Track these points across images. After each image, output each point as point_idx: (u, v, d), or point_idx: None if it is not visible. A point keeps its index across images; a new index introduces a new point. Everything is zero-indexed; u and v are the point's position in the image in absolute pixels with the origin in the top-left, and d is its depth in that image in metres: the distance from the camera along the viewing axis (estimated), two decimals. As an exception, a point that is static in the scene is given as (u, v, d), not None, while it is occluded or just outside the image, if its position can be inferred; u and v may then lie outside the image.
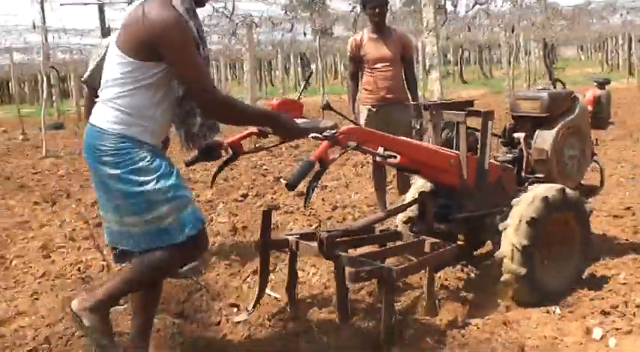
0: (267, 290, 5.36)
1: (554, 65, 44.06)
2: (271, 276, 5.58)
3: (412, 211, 5.44)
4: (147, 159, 3.78)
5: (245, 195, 9.30)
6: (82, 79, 5.89)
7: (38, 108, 24.38)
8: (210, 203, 9.01)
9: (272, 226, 5.33)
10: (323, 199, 8.92)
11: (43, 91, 17.46)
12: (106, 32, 11.18)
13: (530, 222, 4.71)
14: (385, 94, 7.47)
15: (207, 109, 3.91)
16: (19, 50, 29.06)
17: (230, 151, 4.64)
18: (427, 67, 8.34)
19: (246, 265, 6.09)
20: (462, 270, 5.68)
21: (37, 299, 5.42)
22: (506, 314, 4.79)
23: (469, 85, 40.76)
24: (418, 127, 7.28)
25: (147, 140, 3.82)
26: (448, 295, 5.24)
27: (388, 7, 7.84)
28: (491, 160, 5.18)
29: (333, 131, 4.22)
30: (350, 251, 4.97)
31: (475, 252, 5.85)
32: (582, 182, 5.84)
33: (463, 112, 5.13)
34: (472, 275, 5.67)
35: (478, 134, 5.21)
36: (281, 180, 3.64)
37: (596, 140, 6.11)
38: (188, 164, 4.65)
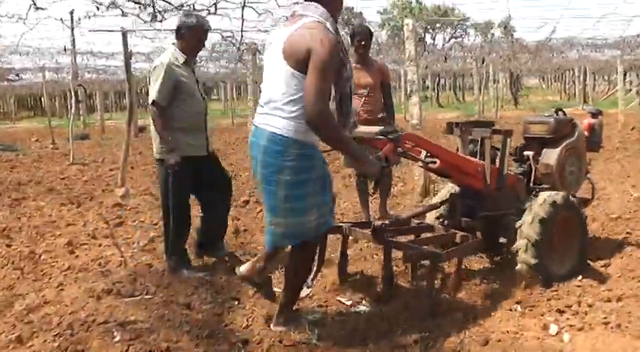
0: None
1: (519, 92, 44.26)
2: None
3: (443, 209, 5.80)
4: (321, 164, 4.16)
5: (247, 202, 9.29)
6: (153, 99, 5.72)
7: (67, 121, 24.24)
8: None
9: None
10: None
11: (71, 106, 17.40)
12: (128, 56, 11.12)
13: (541, 220, 5.11)
14: (367, 116, 7.54)
15: (308, 115, 3.91)
16: (51, 70, 28.92)
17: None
18: (408, 93, 8.38)
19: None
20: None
21: (62, 290, 5.39)
22: (474, 311, 4.81)
23: (444, 108, 40.89)
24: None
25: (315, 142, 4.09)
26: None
27: (372, 41, 7.93)
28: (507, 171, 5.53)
29: (398, 134, 4.70)
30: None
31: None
32: (577, 194, 6.08)
33: (489, 130, 5.44)
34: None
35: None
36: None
37: (590, 160, 6.51)
38: None
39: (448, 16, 57.87)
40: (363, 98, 7.49)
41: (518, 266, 5.15)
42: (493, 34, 55.24)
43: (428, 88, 48.93)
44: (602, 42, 28.00)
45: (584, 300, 4.86)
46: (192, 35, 5.92)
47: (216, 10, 7.66)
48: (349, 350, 4.24)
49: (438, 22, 60.30)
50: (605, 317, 4.51)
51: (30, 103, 58.27)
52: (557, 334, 4.35)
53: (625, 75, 40.09)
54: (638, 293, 5.09)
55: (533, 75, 64.51)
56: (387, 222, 5.26)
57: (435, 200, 6.09)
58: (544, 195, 5.32)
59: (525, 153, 5.99)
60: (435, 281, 4.94)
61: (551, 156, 5.64)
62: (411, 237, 5.71)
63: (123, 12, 7.87)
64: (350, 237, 5.69)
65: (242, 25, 8.03)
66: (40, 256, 6.62)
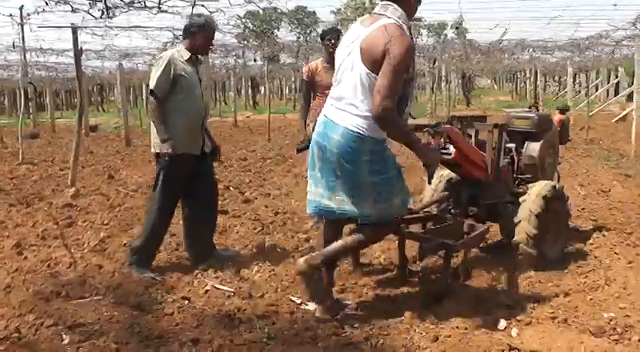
0: (216, 285, 5.38)
1: (471, 93, 44.71)
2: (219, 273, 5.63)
3: (438, 198, 6.20)
4: (391, 159, 4.44)
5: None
6: (151, 87, 5.79)
7: (16, 119, 23.92)
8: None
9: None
10: (266, 206, 8.91)
11: (20, 104, 17.13)
12: (78, 53, 10.96)
13: (537, 215, 5.59)
14: None
15: (375, 112, 4.10)
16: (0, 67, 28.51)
17: None
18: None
19: (198, 262, 6.07)
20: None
21: (9, 292, 5.28)
22: (425, 308, 4.85)
23: (398, 108, 41.05)
24: None
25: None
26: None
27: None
28: None
29: (444, 127, 5.12)
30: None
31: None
32: None
33: (491, 124, 5.82)
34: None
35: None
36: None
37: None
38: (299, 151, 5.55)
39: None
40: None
41: (520, 258, 5.65)
42: (446, 35, 55.78)
43: (381, 87, 49.14)
44: (553, 44, 28.45)
45: (532, 296, 4.98)
46: (201, 34, 5.94)
47: (165, 7, 7.64)
48: (299, 349, 4.25)
49: (391, 23, 60.58)
50: (553, 312, 4.62)
51: (-23, 102, 57.25)
52: (505, 329, 4.42)
53: (575, 76, 40.91)
54: (584, 288, 5.22)
55: (485, 75, 65.31)
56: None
57: (428, 194, 6.43)
58: (535, 190, 5.75)
59: (507, 145, 6.27)
60: (449, 268, 5.22)
61: (534, 148, 6.02)
62: (418, 225, 6.01)
63: (73, 8, 7.79)
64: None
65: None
66: (-13, 257, 6.49)
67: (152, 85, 5.79)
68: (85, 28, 11.44)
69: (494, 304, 4.87)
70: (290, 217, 8.09)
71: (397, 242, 5.50)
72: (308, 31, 70.44)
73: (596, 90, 37.22)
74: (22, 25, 19.79)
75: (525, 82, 44.25)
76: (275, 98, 50.09)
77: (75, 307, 4.84)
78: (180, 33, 6.53)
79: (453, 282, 5.28)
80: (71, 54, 12.40)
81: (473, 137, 6.02)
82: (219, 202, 8.83)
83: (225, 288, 5.31)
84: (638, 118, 13.87)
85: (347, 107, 4.27)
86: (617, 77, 33.40)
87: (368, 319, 4.65)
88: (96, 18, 7.83)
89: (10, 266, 6.09)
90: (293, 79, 49.58)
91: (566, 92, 37.84)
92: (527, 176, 6.07)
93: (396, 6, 4.26)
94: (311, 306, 4.94)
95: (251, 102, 46.34)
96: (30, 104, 28.44)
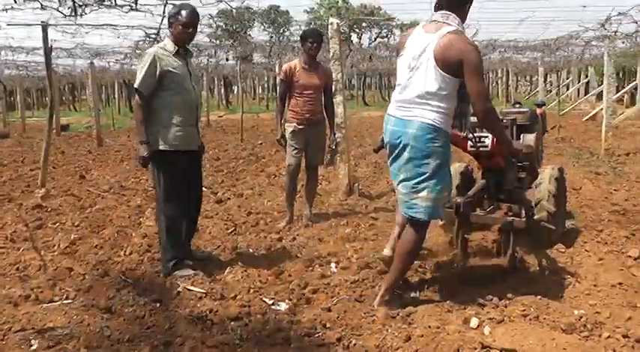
0: (188, 286, 5.34)
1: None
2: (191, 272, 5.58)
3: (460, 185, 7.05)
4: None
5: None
6: (135, 86, 5.67)
7: (-15, 120, 23.69)
8: (139, 208, 8.87)
9: None
10: (239, 206, 8.89)
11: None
12: (49, 51, 10.84)
13: (554, 195, 6.51)
14: (309, 116, 7.77)
15: (479, 113, 4.66)
16: (-32, 66, 28.22)
17: None
18: (333, 92, 8.43)
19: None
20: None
21: (-24, 296, 5.22)
22: (400, 308, 4.85)
23: (370, 107, 41.24)
24: (333, 147, 8.13)
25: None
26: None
27: (323, 43, 8.03)
28: None
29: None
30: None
31: None
32: None
33: (509, 120, 6.28)
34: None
35: None
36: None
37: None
38: (376, 151, 5.93)
39: (374, 16, 58.34)
40: (307, 98, 7.75)
41: (542, 232, 6.38)
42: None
43: (354, 86, 49.33)
44: (524, 44, 28.64)
45: (505, 294, 4.98)
46: (177, 23, 5.80)
47: (137, 5, 7.57)
48: (272, 350, 4.22)
49: (364, 22, 60.76)
50: (524, 310, 4.62)
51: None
52: (477, 327, 4.41)
53: (546, 76, 41.24)
54: (555, 285, 5.25)
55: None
56: (464, 199, 5.83)
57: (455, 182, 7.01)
58: (547, 174, 6.69)
59: None
60: (513, 244, 5.62)
61: (530, 139, 6.27)
62: None
63: (42, 5, 7.70)
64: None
65: (161, 21, 7.99)
66: (-46, 260, 6.40)
67: (137, 82, 5.67)
68: (56, 25, 11.32)
69: (467, 303, 4.88)
70: (263, 217, 8.08)
71: (456, 226, 5.81)
72: (281, 31, 70.33)
73: (567, 89, 37.61)
74: (-10, 24, 19.62)
75: (497, 82, 44.59)
76: (248, 98, 49.98)
77: (44, 311, 4.77)
78: (153, 31, 6.46)
79: (517, 257, 5.86)
80: (41, 52, 12.26)
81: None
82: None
83: (198, 290, 5.28)
84: (608, 117, 14.03)
85: (422, 105, 4.69)
86: (587, 77, 33.71)
87: (341, 319, 4.64)
88: (65, 15, 7.73)
89: (-22, 270, 6.01)
90: (266, 79, 49.53)
91: (537, 91, 38.12)
92: (526, 163, 6.38)
93: (454, 15, 4.73)
94: (282, 307, 4.93)
95: (224, 102, 46.24)
96: (0, 103, 28.10)
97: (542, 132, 7.62)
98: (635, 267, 5.66)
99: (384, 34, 67.73)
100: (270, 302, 5.04)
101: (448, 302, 4.91)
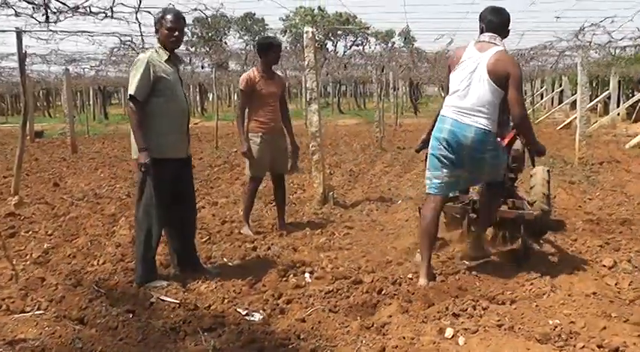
0: (161, 296, 5.29)
1: (418, 100, 45.11)
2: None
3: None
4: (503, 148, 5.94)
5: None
6: (130, 92, 5.58)
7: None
8: (113, 217, 8.79)
9: None
10: (214, 214, 8.85)
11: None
12: (23, 57, 10.73)
13: (547, 181, 7.43)
14: (274, 125, 7.78)
15: (517, 118, 5.68)
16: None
17: None
18: (308, 100, 8.43)
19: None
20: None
21: (-54, 305, 5.14)
22: (372, 318, 4.83)
23: (345, 115, 41.35)
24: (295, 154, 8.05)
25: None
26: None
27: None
28: None
29: None
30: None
31: None
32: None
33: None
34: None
35: None
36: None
37: None
38: (418, 151, 6.62)
39: (349, 24, 58.49)
40: (270, 107, 7.75)
41: (537, 212, 6.73)
42: (394, 43, 56.16)
43: (329, 94, 49.37)
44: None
45: (479, 304, 4.96)
46: (162, 28, 5.74)
47: (112, 13, 7.50)
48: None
49: (339, 30, 60.91)
50: (499, 320, 4.61)
51: None
52: (452, 337, 4.40)
53: (520, 84, 41.43)
54: (530, 295, 5.26)
55: (432, 83, 65.89)
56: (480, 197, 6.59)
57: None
58: (539, 168, 7.52)
59: None
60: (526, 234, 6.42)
61: (518, 143, 6.60)
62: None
63: (16, 12, 7.62)
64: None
65: (141, 29, 7.93)
66: None
67: (131, 89, 5.58)
68: (30, 32, 11.20)
69: (441, 313, 4.86)
70: (237, 226, 8.02)
71: (466, 221, 6.70)
72: (256, 38, 70.31)
73: (542, 98, 37.90)
74: (-37, 30, 19.42)
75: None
76: (223, 105, 49.89)
77: (15, 322, 4.73)
78: (127, 39, 6.42)
79: (531, 244, 6.68)
80: (16, 58, 12.15)
81: None
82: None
83: (171, 300, 5.24)
84: (582, 126, 14.13)
85: (477, 113, 5.60)
86: (561, 85, 33.96)
87: (315, 330, 4.62)
88: (40, 22, 7.65)
89: (-53, 279, 5.92)
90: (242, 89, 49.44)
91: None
92: (515, 165, 6.70)
93: (500, 38, 5.73)
94: (257, 317, 4.91)
95: (199, 109, 46.11)
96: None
97: None
98: (609, 277, 5.70)
99: (359, 42, 67.99)
100: (245, 312, 5.01)
101: (423, 312, 4.90)
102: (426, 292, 5.36)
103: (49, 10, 7.27)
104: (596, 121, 23.96)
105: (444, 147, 5.78)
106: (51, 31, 10.51)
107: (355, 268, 6.10)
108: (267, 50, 7.74)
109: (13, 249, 6.98)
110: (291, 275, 5.99)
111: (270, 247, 7.08)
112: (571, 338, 4.35)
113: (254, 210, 8.65)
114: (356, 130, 26.71)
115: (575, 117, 16.23)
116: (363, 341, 4.38)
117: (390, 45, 54.30)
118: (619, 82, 28.11)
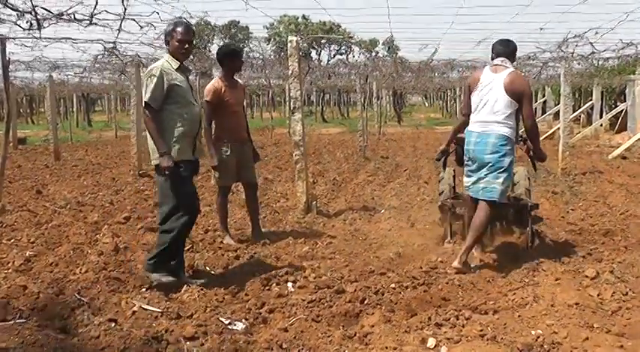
0: (144, 305, 5.26)
1: (402, 109, 45.20)
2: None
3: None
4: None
5: (127, 218, 9.04)
6: (145, 100, 5.77)
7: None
8: (95, 224, 8.74)
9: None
10: (197, 223, 8.79)
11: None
12: (6, 64, 10.67)
13: (528, 178, 8.00)
14: (242, 133, 7.82)
15: (529, 128, 6.66)
16: None
17: None
18: (292, 109, 8.43)
19: (128, 282, 5.98)
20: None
21: None
22: (354, 327, 4.83)
23: (329, 123, 41.37)
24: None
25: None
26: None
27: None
28: None
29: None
30: None
31: None
32: None
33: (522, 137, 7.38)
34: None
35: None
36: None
37: None
38: (438, 160, 8.00)
39: (333, 33, 58.54)
40: (237, 116, 7.78)
41: (522, 202, 7.50)
42: (377, 52, 56.26)
43: (313, 103, 49.39)
44: (482, 64, 28.85)
45: (462, 314, 4.98)
46: (173, 39, 5.93)
47: (92, 18, 7.49)
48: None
49: (323, 39, 60.96)
50: (482, 330, 4.63)
51: None
52: (435, 347, 4.41)
53: (503, 94, 41.60)
54: (512, 305, 5.28)
55: (416, 93, 66.14)
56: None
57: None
58: (522, 174, 7.97)
59: None
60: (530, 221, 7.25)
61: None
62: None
63: (0, 19, 7.59)
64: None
65: (117, 35, 7.93)
66: None
67: (147, 97, 5.78)
68: (14, 38, 11.15)
69: (424, 322, 4.87)
70: (220, 235, 7.98)
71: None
72: (241, 46, 70.26)
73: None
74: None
75: (456, 100, 44.93)
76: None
77: (-4, 331, 4.67)
78: (111, 45, 6.46)
79: (537, 233, 7.47)
80: (-1, 65, 12.07)
81: None
82: (150, 219, 8.74)
83: (153, 309, 5.21)
84: (565, 136, 14.21)
85: (495, 122, 6.52)
86: (544, 96, 34.13)
87: (297, 340, 4.61)
88: (24, 29, 7.63)
89: None
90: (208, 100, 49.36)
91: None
92: None
93: (510, 61, 6.72)
94: (239, 326, 4.90)
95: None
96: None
97: None
98: (591, 287, 5.71)
99: (343, 51, 68.10)
100: (227, 321, 5.00)
101: (405, 322, 4.91)
102: (408, 302, 5.37)
103: (34, 17, 7.26)
104: (579, 132, 24.11)
105: (469, 158, 6.75)
106: (35, 37, 10.47)
107: (338, 277, 6.11)
108: (233, 57, 7.71)
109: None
110: (274, 285, 5.99)
111: (253, 256, 7.06)
112: (553, 348, 4.38)
113: (236, 218, 8.63)
114: (339, 139, 26.72)
115: (559, 128, 16.33)
116: (346, 351, 4.38)
117: (373, 54, 54.33)
118: (602, 93, 28.27)
